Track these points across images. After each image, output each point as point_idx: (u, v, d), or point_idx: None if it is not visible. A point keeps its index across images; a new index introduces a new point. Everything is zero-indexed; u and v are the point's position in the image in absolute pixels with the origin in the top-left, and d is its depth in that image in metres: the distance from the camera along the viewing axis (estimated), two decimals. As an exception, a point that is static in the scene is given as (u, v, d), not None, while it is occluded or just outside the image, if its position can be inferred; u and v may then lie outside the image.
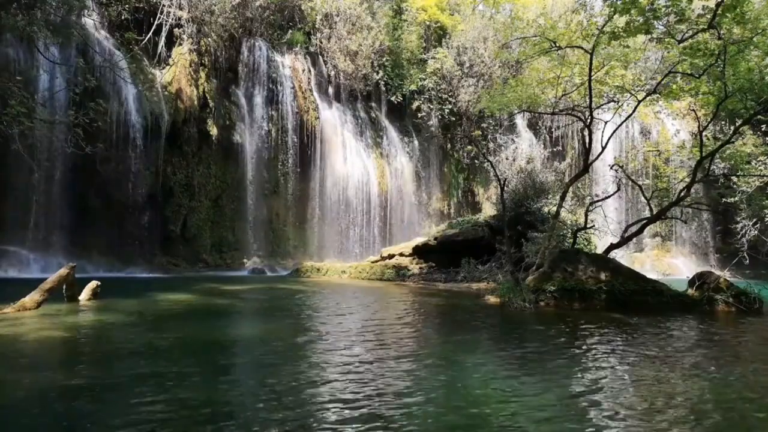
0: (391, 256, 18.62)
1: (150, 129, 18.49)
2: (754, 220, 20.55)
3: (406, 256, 18.29)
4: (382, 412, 3.67)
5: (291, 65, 23.45)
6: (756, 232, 20.73)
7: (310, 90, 23.86)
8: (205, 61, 21.04)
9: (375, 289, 13.66)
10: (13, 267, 15.33)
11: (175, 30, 20.22)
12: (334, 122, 24.34)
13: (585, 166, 13.85)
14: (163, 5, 19.61)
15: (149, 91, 18.96)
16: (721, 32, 10.62)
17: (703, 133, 12.97)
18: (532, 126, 29.47)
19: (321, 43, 24.66)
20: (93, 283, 9.42)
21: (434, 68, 26.63)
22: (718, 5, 10.10)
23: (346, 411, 3.69)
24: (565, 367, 5.22)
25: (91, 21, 18.02)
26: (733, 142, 14.46)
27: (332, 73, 24.93)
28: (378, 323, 8.10)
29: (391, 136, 26.61)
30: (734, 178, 18.46)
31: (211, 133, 20.76)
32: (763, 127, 19.60)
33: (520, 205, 17.31)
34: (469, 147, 27.45)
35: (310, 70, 24.24)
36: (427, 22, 27.84)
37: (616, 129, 14.34)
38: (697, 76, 11.65)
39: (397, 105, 26.59)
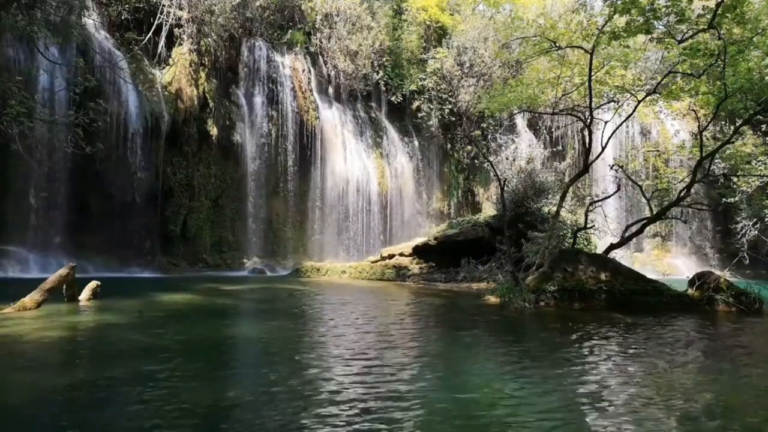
0: (391, 256, 18.61)
1: (150, 129, 18.49)
2: (754, 220, 20.55)
3: (406, 256, 18.29)
4: (382, 412, 3.67)
5: (291, 65, 23.45)
6: (756, 232, 20.73)
7: (310, 90, 23.85)
8: (205, 61, 21.04)
9: (375, 289, 13.66)
10: (13, 267, 15.32)
11: (175, 30, 20.22)
12: (334, 122, 24.34)
13: (585, 166, 13.84)
14: (163, 5, 19.61)
15: (149, 91, 18.96)
16: (721, 32, 10.62)
17: (703, 133, 12.96)
18: (532, 126, 29.47)
19: (321, 43, 24.66)
20: (93, 283, 9.41)
21: (434, 68, 26.62)
22: (718, 5, 10.10)
23: (346, 411, 3.69)
24: (565, 367, 5.22)
25: (91, 21, 18.00)
26: (733, 142, 14.47)
27: (332, 73, 24.92)
28: (378, 323, 8.10)
29: (391, 136, 26.61)
30: (734, 178, 18.45)
31: (211, 133, 20.77)
32: (763, 127, 19.61)
33: (520, 205, 17.31)
34: (469, 147, 27.45)
35: (310, 70, 24.25)
36: (427, 22, 27.82)
37: (616, 129, 14.34)
38: (697, 76, 11.65)
39: (397, 105, 26.58)
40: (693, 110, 15.28)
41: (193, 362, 5.21)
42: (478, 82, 26.64)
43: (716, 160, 15.10)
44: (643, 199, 14.32)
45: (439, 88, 26.82)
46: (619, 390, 4.44)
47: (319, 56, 24.81)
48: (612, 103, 14.31)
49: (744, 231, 21.11)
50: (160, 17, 19.60)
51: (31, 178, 16.21)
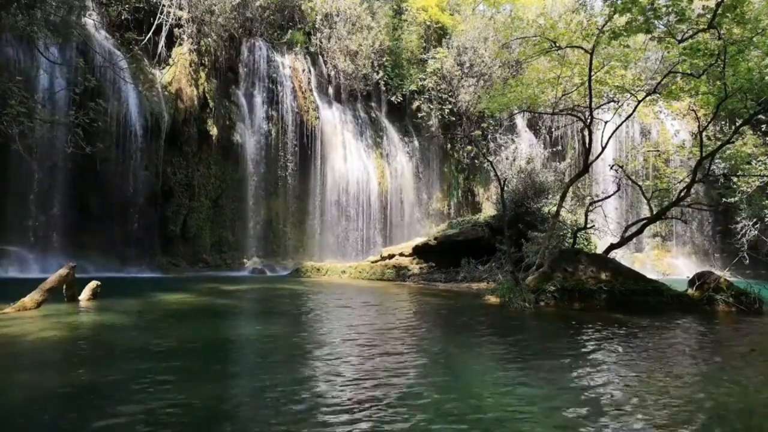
0: (391, 256, 18.62)
1: (150, 129, 18.50)
2: (754, 220, 20.57)
3: (406, 256, 18.29)
4: (382, 412, 3.67)
5: (291, 65, 23.46)
6: (756, 232, 20.76)
7: (310, 90, 23.86)
8: (205, 61, 21.05)
9: (375, 289, 13.66)
10: (13, 267, 15.32)
11: (175, 30, 20.23)
12: (334, 122, 24.35)
13: (585, 166, 13.84)
14: (163, 5, 19.61)
15: (149, 91, 18.96)
16: (721, 32, 10.62)
17: (703, 133, 12.96)
18: (532, 126, 29.48)
19: (321, 43, 24.67)
20: (93, 283, 9.41)
21: (434, 68, 26.63)
22: (718, 5, 10.10)
23: (346, 411, 3.69)
24: (565, 367, 5.22)
25: (91, 21, 18.01)
26: (733, 142, 14.47)
27: (332, 73, 24.94)
28: (378, 323, 8.10)
29: (391, 136, 26.61)
30: (734, 178, 18.46)
31: (211, 133, 20.77)
32: (763, 127, 19.62)
33: (520, 205, 17.31)
34: (469, 147, 27.46)
35: (310, 70, 24.26)
36: (427, 22, 27.84)
37: (616, 129, 14.34)
38: (697, 76, 11.64)
39: (397, 105, 26.59)
40: (693, 110, 15.27)
41: (193, 363, 5.20)
42: (478, 82, 26.65)
43: (716, 160, 15.10)
44: (643, 199, 14.32)
45: (439, 88, 26.83)
46: (619, 390, 4.44)
47: (319, 56, 24.82)
48: (612, 103, 14.30)
49: (744, 231, 21.13)
50: (160, 17, 19.60)
51: (31, 178, 16.21)
